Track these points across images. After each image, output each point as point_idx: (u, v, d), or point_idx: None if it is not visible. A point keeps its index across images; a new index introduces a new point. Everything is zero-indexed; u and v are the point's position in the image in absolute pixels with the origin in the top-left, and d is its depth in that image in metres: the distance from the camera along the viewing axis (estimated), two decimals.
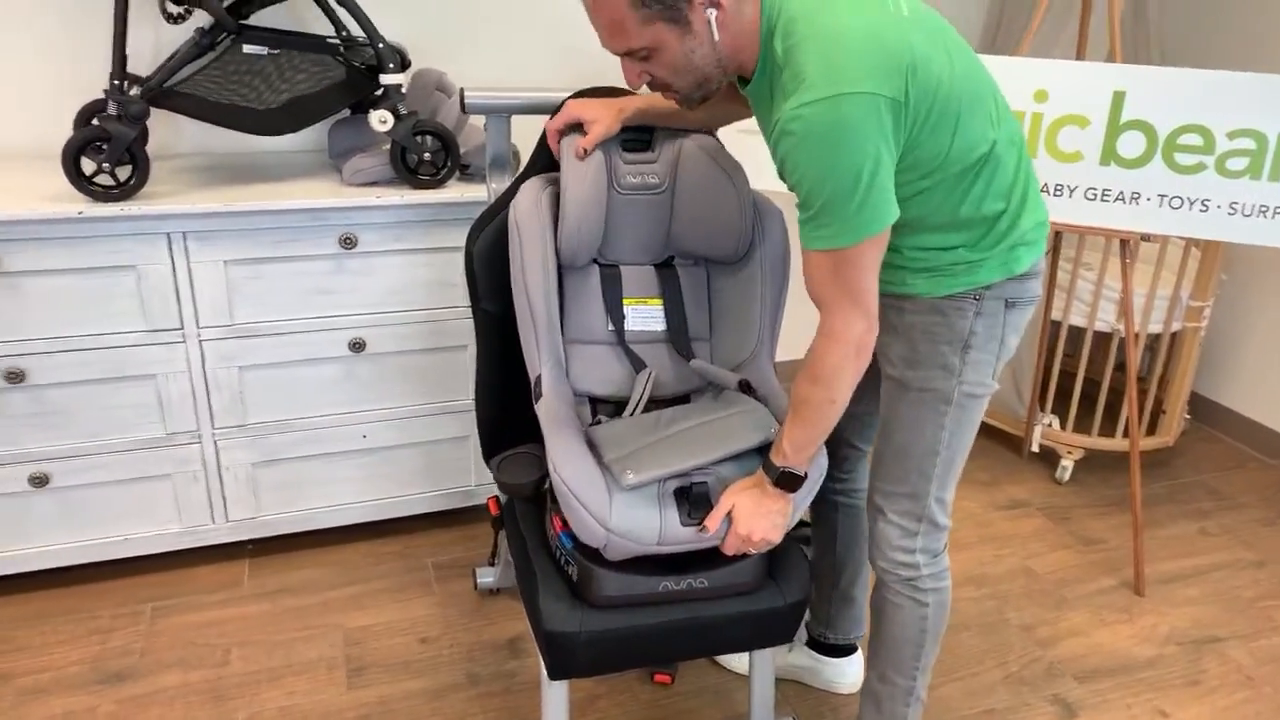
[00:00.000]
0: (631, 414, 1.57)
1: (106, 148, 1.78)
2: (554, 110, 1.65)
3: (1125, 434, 2.75)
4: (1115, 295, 2.61)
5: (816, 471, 1.43)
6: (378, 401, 2.17)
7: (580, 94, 1.64)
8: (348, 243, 1.99)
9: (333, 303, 2.05)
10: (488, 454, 1.72)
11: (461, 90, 1.74)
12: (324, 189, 2.00)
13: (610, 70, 2.56)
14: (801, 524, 2.37)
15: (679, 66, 1.24)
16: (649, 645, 1.47)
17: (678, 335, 1.67)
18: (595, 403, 1.64)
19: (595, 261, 1.66)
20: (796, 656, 1.90)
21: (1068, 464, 2.70)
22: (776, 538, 1.38)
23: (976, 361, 1.36)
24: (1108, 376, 2.69)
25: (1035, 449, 2.79)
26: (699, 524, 1.38)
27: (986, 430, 2.98)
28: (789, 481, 1.35)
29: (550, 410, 1.48)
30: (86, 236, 1.82)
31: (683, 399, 1.67)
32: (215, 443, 2.07)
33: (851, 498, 1.74)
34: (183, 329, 1.96)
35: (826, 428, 1.31)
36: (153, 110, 1.85)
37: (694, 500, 1.40)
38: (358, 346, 2.09)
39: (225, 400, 2.04)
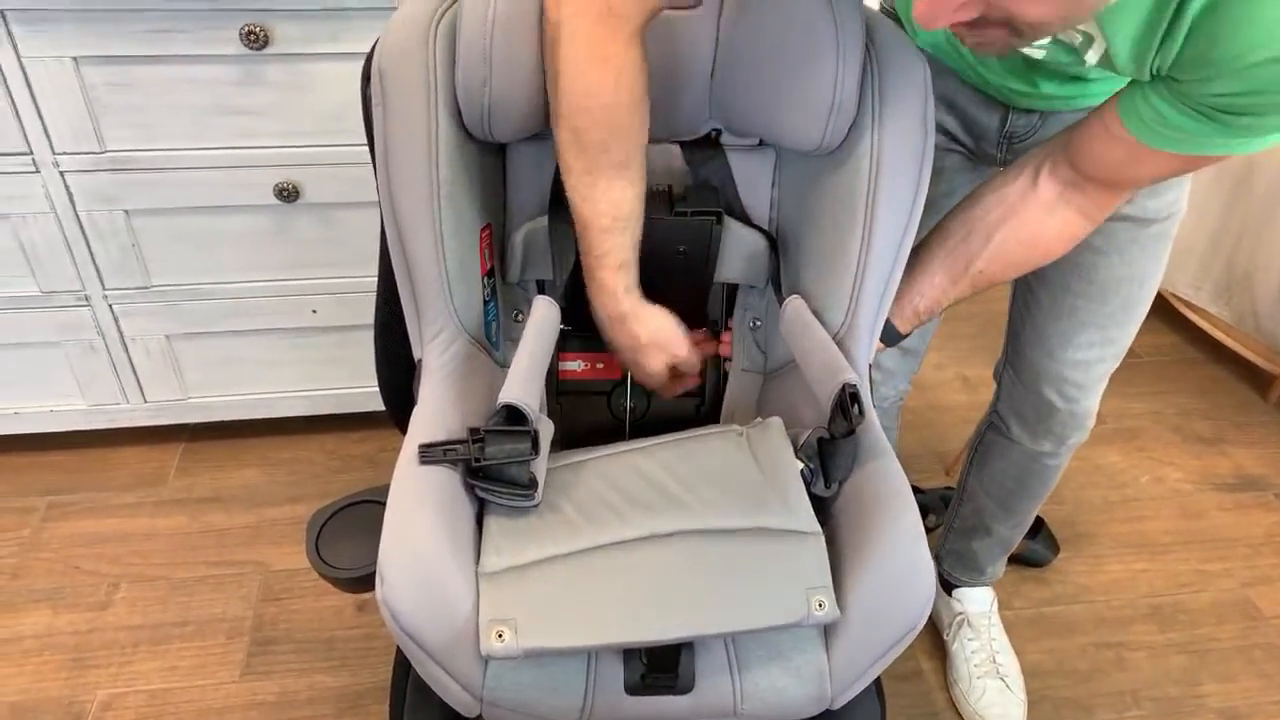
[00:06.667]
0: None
1: None
2: None
3: None
4: None
5: None
6: (328, 268, 1.55)
7: None
8: (254, 39, 1.29)
9: (245, 128, 1.38)
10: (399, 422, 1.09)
11: None
12: None
13: None
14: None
15: None
16: None
17: None
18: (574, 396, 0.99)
19: None
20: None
21: None
22: None
23: None
24: None
25: None
26: (669, 685, 0.74)
27: (1219, 354, 2.09)
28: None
29: (425, 430, 0.81)
30: None
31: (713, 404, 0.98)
32: (111, 307, 1.53)
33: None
34: (32, 154, 1.36)
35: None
36: None
37: (658, 655, 0.74)
38: (288, 194, 1.44)
39: (114, 254, 1.47)
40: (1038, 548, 1.58)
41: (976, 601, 1.42)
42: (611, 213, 0.82)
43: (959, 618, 1.41)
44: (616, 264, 0.85)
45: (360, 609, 1.49)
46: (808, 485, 0.81)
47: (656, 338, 0.91)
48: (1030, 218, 0.87)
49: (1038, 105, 0.97)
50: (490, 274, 0.92)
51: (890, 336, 0.95)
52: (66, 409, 1.64)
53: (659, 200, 0.92)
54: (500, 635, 0.70)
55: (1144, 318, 1.10)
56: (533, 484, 0.77)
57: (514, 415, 0.77)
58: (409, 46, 0.79)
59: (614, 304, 0.87)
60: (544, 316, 0.85)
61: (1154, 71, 0.71)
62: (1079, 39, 0.75)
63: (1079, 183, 0.84)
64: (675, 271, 0.95)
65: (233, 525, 1.61)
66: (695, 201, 0.93)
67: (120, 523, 1.60)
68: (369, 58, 0.87)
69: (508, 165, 0.94)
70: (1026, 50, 0.81)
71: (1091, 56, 0.76)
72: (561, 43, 0.76)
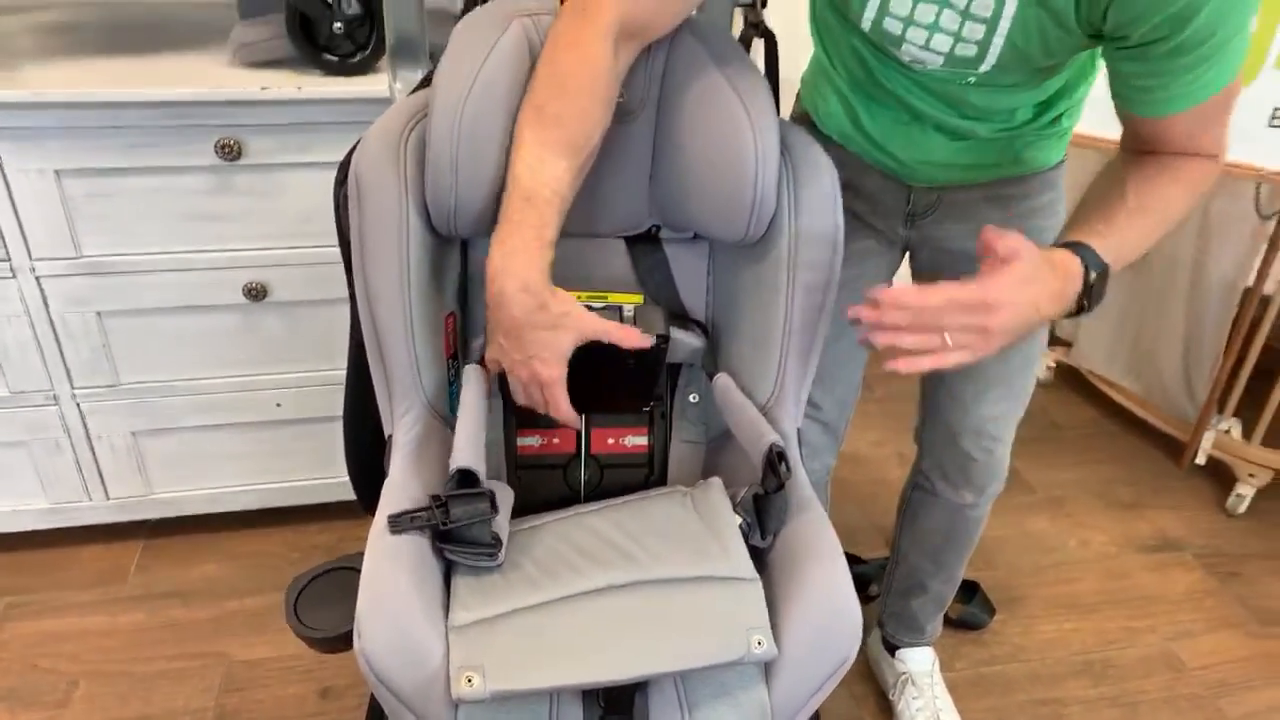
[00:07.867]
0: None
1: None
2: None
3: None
4: None
5: None
6: (292, 363, 1.62)
7: None
8: (228, 151, 1.40)
9: (217, 233, 1.48)
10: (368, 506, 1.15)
11: None
12: (200, 69, 1.40)
13: None
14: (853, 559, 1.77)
15: None
16: None
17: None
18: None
19: None
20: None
21: (1246, 491, 1.97)
22: (992, 348, 0.82)
23: None
24: None
25: (1201, 461, 2.05)
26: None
27: (1135, 425, 2.24)
28: (1091, 292, 0.89)
29: (394, 501, 0.88)
30: None
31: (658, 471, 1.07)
32: (78, 405, 1.58)
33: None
34: (10, 260, 1.43)
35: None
36: None
37: (614, 696, 0.81)
38: (256, 293, 1.52)
39: (84, 354, 1.53)
40: (975, 611, 1.67)
41: (919, 661, 1.49)
42: (553, 186, 0.87)
43: (903, 677, 1.48)
44: (549, 239, 0.87)
45: (323, 696, 1.51)
46: (746, 537, 0.90)
47: (571, 313, 0.90)
48: (1152, 171, 0.92)
49: (936, 177, 1.11)
50: (454, 357, 1.01)
51: (1096, 262, 0.89)
52: (27, 509, 1.66)
53: (610, 317, 0.95)
54: (470, 680, 0.76)
55: (1037, 366, 1.25)
56: (496, 543, 0.85)
57: (467, 478, 0.85)
58: (384, 155, 0.89)
59: (535, 276, 0.86)
60: (475, 383, 0.94)
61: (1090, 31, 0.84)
62: (974, 50, 0.89)
63: (1159, 154, 0.92)
64: (624, 377, 1.03)
65: (194, 618, 1.63)
66: (644, 324, 0.99)
67: (80, 620, 1.61)
68: (344, 162, 0.97)
69: (468, 258, 1.05)
70: (917, 61, 0.94)
71: (989, 61, 0.89)
72: (547, 40, 0.90)
